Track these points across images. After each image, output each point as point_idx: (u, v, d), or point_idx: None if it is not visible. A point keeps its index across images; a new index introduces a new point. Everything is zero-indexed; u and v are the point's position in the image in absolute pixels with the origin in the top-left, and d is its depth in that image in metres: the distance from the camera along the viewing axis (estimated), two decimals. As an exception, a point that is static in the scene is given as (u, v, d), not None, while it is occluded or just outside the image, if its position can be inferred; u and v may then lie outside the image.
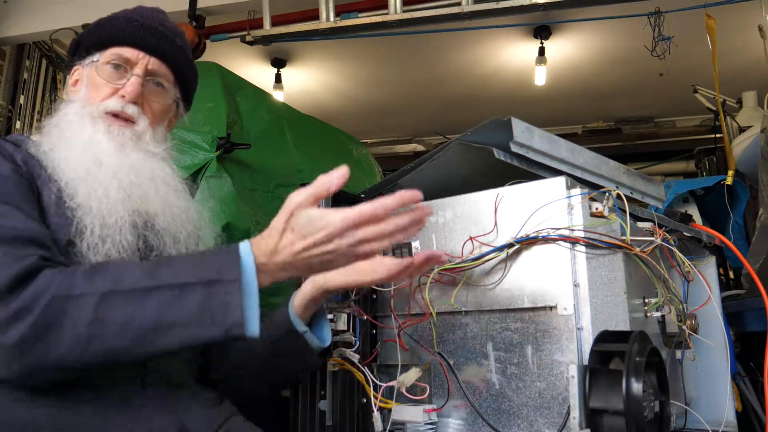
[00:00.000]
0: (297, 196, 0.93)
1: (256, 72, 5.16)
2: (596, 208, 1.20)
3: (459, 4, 3.14)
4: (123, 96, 1.21)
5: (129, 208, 1.13)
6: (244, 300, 0.91)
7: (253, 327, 0.92)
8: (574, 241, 1.17)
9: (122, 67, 1.23)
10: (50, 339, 0.90)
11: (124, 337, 0.91)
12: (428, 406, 1.24)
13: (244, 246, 0.95)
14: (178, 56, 1.29)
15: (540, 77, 5.07)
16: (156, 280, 0.93)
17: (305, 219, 0.92)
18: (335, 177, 0.92)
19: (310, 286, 1.19)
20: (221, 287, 0.91)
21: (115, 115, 1.20)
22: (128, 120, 1.21)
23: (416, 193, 0.92)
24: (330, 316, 1.33)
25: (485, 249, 1.24)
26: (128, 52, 1.23)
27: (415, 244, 1.26)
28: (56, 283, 0.92)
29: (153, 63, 1.25)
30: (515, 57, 5.05)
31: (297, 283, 1.25)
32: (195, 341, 0.92)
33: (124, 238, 1.10)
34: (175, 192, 1.24)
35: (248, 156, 1.92)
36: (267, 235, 0.96)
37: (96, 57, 1.25)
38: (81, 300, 0.91)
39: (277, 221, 0.95)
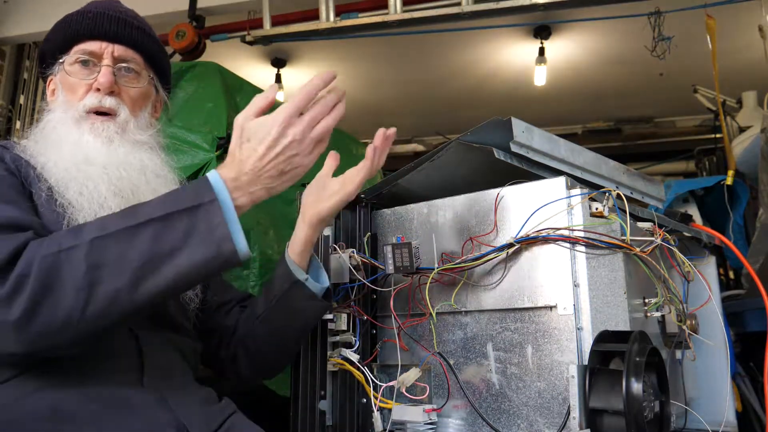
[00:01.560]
0: (239, 115, 1.01)
1: (256, 72, 5.17)
2: (596, 208, 1.20)
3: (459, 4, 3.13)
4: (98, 89, 1.21)
5: (120, 204, 1.14)
6: (225, 215, 0.95)
7: (241, 244, 0.95)
8: (574, 241, 1.16)
9: (90, 61, 1.24)
10: (53, 296, 0.91)
11: (123, 274, 0.92)
12: (428, 406, 1.24)
13: (211, 171, 0.99)
14: (141, 38, 1.29)
15: (540, 77, 5.07)
16: (139, 218, 0.95)
17: (255, 126, 0.99)
18: (269, 90, 1.03)
19: (304, 225, 1.27)
20: (201, 210, 0.95)
21: (96, 112, 1.21)
22: (109, 114, 1.22)
23: (329, 72, 1.02)
24: (330, 316, 1.34)
25: (485, 249, 1.24)
26: (91, 45, 1.24)
27: (415, 243, 1.26)
28: (44, 246, 0.94)
29: (118, 50, 1.25)
30: (515, 57, 5.06)
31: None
32: (194, 266, 0.94)
33: None
34: (165, 182, 1.24)
35: (248, 156, 1.92)
36: (228, 156, 1.01)
37: (62, 59, 1.26)
38: (71, 252, 0.92)
39: (232, 143, 1.00)
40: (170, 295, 1.09)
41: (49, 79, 1.31)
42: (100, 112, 1.22)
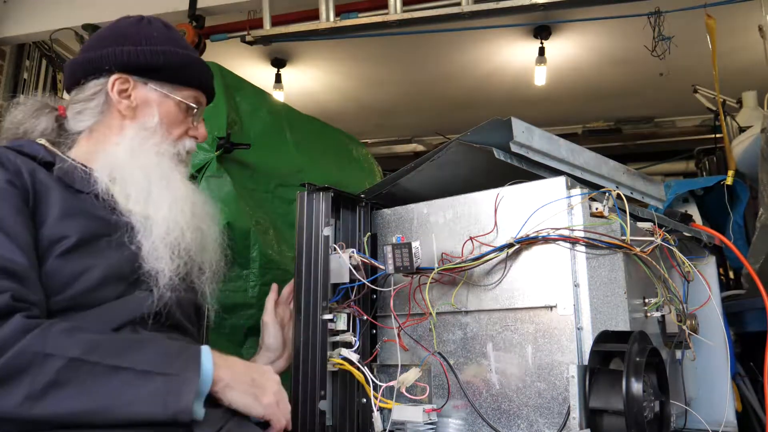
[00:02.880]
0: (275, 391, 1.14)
1: (256, 72, 5.16)
2: (596, 208, 1.20)
3: (459, 4, 3.14)
4: (195, 137, 1.35)
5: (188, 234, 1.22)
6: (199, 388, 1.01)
7: (198, 413, 1.01)
8: (574, 241, 1.17)
9: (194, 108, 1.34)
10: (5, 389, 0.93)
11: (73, 406, 0.94)
12: (428, 406, 1.24)
13: (206, 352, 1.06)
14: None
15: (540, 77, 5.07)
16: (123, 361, 0.99)
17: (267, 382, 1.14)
18: None
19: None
20: (179, 379, 1.00)
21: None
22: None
23: None
24: (330, 316, 1.33)
25: (485, 249, 1.24)
26: (201, 98, 1.37)
27: (415, 244, 1.26)
28: (30, 336, 0.95)
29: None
30: (515, 57, 5.06)
31: None
32: (140, 419, 0.97)
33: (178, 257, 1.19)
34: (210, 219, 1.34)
35: (248, 156, 1.92)
36: (236, 359, 1.15)
37: (169, 90, 1.30)
38: (49, 359, 0.95)
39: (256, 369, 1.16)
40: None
41: (123, 80, 1.27)
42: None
